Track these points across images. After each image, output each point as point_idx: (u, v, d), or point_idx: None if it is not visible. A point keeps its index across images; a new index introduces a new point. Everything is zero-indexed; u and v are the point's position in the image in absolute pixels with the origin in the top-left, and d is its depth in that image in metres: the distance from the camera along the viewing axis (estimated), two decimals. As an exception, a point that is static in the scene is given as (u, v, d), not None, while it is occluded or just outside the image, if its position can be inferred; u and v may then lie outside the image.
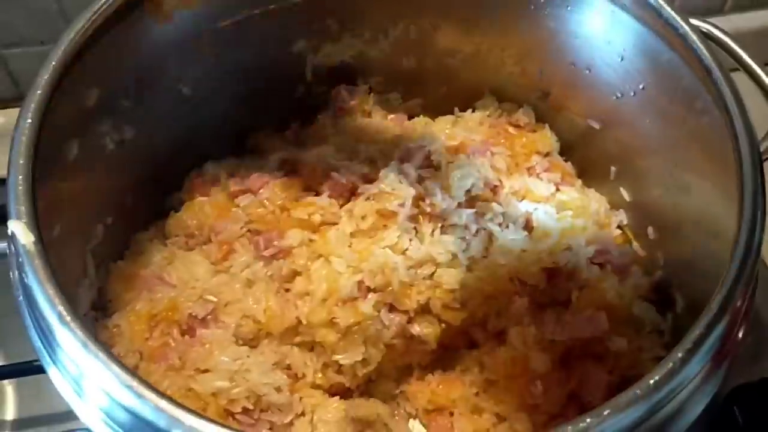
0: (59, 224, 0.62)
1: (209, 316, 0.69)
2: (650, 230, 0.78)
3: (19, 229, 0.51)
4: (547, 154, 0.86)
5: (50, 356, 0.50)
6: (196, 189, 0.82)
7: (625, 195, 0.82)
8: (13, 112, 1.01)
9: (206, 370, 0.65)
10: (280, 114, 0.88)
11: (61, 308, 0.47)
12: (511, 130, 0.86)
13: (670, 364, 0.49)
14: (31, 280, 0.50)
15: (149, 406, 0.44)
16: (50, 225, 0.60)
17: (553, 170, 0.84)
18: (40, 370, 0.71)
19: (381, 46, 0.85)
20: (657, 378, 0.48)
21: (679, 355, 0.50)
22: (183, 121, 0.80)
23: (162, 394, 0.45)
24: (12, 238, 0.52)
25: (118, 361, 0.46)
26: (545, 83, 0.84)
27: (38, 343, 0.51)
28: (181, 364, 0.65)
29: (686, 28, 0.66)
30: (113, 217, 0.75)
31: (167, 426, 0.44)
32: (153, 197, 0.81)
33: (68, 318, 0.47)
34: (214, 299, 0.70)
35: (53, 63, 0.58)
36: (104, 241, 0.73)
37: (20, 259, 0.50)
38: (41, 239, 0.51)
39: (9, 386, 0.82)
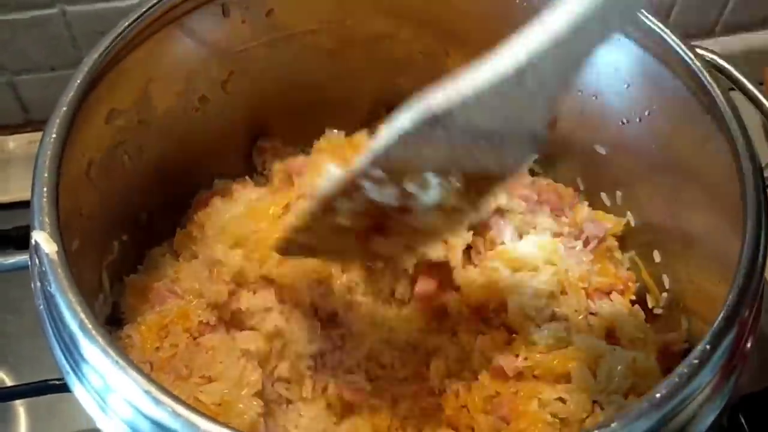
0: (78, 239, 0.63)
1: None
2: (656, 254, 0.79)
3: (43, 239, 0.52)
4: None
5: (71, 366, 0.51)
6: (204, 205, 0.83)
7: (632, 220, 0.83)
8: (23, 138, 1.05)
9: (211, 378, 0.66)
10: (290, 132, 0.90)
11: (83, 315, 0.49)
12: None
13: (678, 376, 0.50)
14: (54, 289, 0.51)
15: (167, 411, 0.45)
16: (69, 239, 0.62)
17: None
18: (52, 389, 0.74)
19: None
20: (665, 390, 0.49)
21: (687, 367, 0.51)
22: (197, 140, 0.82)
23: (180, 400, 0.46)
24: (35, 249, 0.53)
25: (136, 365, 0.47)
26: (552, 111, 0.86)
27: (59, 354, 0.52)
28: (188, 373, 0.66)
29: (690, 55, 0.68)
30: (128, 234, 0.77)
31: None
32: (168, 215, 0.82)
33: (89, 325, 0.48)
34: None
35: (78, 81, 0.60)
36: (119, 257, 0.75)
37: (43, 269, 0.52)
38: (64, 249, 0.53)
39: (21, 407, 0.83)
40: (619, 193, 0.84)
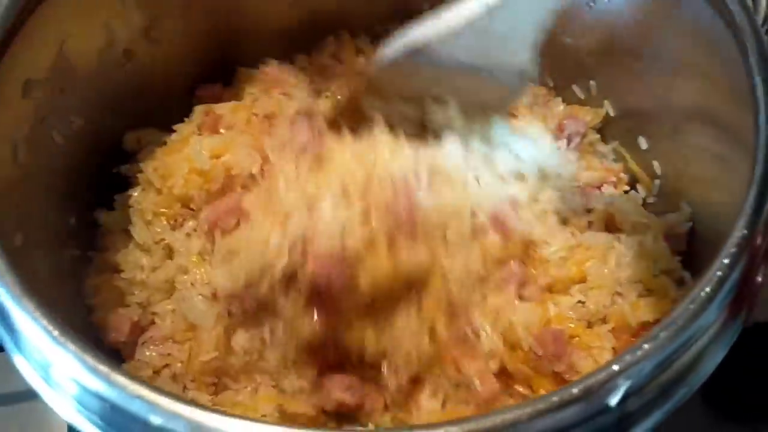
0: (20, 232, 0.57)
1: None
2: (641, 140, 0.75)
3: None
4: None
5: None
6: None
7: (610, 109, 0.78)
8: None
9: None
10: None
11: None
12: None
13: (686, 310, 0.45)
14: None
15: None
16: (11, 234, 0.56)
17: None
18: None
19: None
20: (672, 326, 0.45)
21: (695, 302, 0.46)
22: (130, 100, 0.74)
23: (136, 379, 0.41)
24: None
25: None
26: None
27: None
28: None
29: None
30: (76, 216, 0.69)
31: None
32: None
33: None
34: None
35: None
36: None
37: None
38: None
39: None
40: (592, 83, 0.79)
